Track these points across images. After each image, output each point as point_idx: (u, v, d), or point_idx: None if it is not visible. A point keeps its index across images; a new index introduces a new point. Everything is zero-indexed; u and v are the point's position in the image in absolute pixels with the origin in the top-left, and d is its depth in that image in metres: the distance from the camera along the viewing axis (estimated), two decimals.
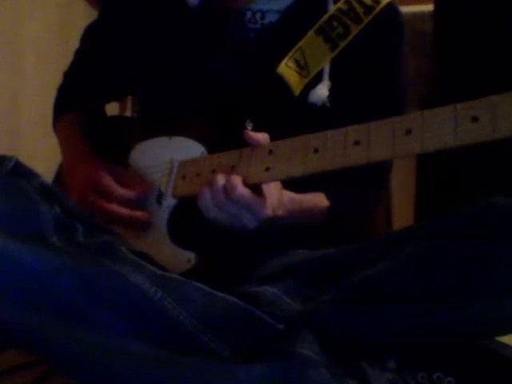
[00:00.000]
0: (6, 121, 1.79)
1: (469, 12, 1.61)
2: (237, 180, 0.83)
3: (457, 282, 0.69)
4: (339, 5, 1.01)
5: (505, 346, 0.74)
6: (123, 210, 0.95)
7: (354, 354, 0.70)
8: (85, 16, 1.96)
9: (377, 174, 1.07)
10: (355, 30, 1.00)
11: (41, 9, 1.89)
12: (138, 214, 0.95)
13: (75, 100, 1.18)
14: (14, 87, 1.81)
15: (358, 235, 0.99)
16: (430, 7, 1.71)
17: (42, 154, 1.25)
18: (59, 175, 1.13)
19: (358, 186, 1.03)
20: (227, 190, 0.83)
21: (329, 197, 0.99)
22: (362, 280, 0.74)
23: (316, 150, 0.80)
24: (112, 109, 1.32)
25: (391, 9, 1.04)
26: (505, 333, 0.73)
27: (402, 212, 1.64)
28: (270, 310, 0.72)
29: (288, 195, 0.90)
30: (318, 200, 0.98)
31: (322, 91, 0.98)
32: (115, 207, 0.95)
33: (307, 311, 0.75)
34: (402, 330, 0.70)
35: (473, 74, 1.57)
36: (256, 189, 0.84)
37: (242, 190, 0.82)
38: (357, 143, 0.76)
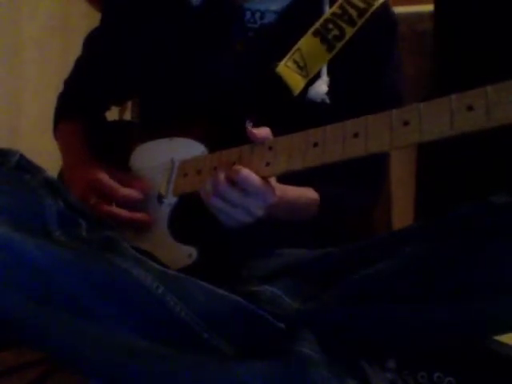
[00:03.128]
0: (7, 119, 1.79)
1: (469, 12, 1.61)
2: (240, 166, 0.83)
3: (456, 281, 0.70)
4: (333, 9, 1.02)
5: (505, 345, 0.74)
6: (124, 212, 0.95)
7: (354, 354, 0.70)
8: (85, 16, 1.96)
9: (374, 171, 1.08)
10: (350, 32, 1.02)
11: (41, 9, 1.89)
12: (139, 215, 0.96)
13: (76, 107, 1.18)
14: (14, 86, 1.81)
15: (358, 235, 0.99)
16: (430, 7, 1.71)
17: (43, 154, 1.25)
18: (61, 178, 1.13)
19: (354, 183, 1.04)
20: (231, 176, 0.82)
21: (318, 190, 0.99)
22: (362, 279, 0.74)
23: (315, 144, 0.81)
24: (111, 112, 1.32)
25: (384, 9, 1.06)
26: (505, 332, 0.73)
27: (401, 212, 1.64)
28: (270, 309, 0.72)
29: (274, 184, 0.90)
30: (303, 190, 0.97)
31: (320, 87, 0.99)
32: (116, 209, 0.95)
33: (307, 310, 0.75)
34: (402, 330, 0.71)
35: (473, 74, 1.57)
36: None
37: (246, 172, 0.82)
38: (355, 136, 0.77)
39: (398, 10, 1.10)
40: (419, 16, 1.74)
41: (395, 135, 0.74)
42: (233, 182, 0.83)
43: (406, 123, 0.73)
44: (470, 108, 0.69)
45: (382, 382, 0.69)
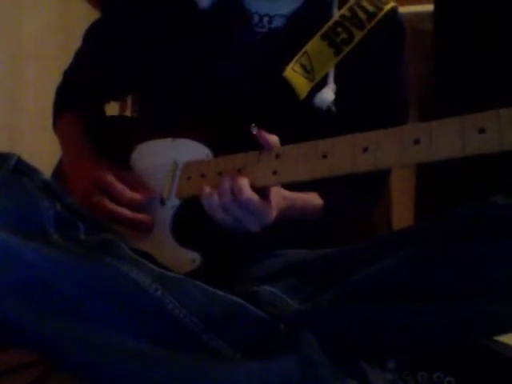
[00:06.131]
0: (7, 118, 1.79)
1: (469, 12, 1.61)
2: (244, 183, 0.83)
3: (456, 281, 0.69)
4: (343, 11, 1.02)
5: (505, 345, 0.74)
6: (126, 212, 0.94)
7: (353, 354, 0.70)
8: (85, 16, 1.96)
9: (375, 177, 1.08)
10: (359, 36, 1.02)
11: (41, 9, 1.89)
12: (141, 216, 0.95)
13: (75, 99, 1.18)
14: (14, 86, 1.81)
15: (358, 235, 0.99)
16: (429, 7, 1.71)
17: (43, 153, 1.25)
18: (58, 171, 1.13)
19: (356, 187, 1.04)
20: (235, 192, 0.83)
21: (323, 197, 0.99)
22: (362, 279, 0.74)
23: (324, 156, 0.80)
24: (112, 109, 1.31)
25: (393, 14, 1.06)
26: (504, 333, 0.73)
27: (401, 212, 1.64)
28: (269, 310, 0.72)
29: (281, 193, 0.90)
30: (310, 198, 0.98)
31: (327, 95, 0.99)
32: (119, 209, 0.94)
33: (307, 311, 0.75)
34: (402, 330, 0.70)
35: (472, 74, 1.57)
36: (261, 192, 0.84)
37: (249, 194, 0.82)
38: (365, 150, 0.76)
39: (398, 10, 1.10)
40: (419, 16, 1.74)
41: (405, 153, 0.73)
42: (236, 197, 0.83)
43: (416, 141, 0.73)
44: (481, 130, 0.68)
45: (381, 383, 0.69)
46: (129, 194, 0.95)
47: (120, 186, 0.96)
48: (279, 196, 0.89)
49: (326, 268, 0.82)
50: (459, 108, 0.73)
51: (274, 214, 0.85)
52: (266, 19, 1.02)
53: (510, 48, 1.54)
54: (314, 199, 0.99)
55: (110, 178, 0.96)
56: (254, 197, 0.82)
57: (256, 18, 1.02)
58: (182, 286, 0.70)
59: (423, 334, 0.70)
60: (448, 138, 0.70)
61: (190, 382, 0.60)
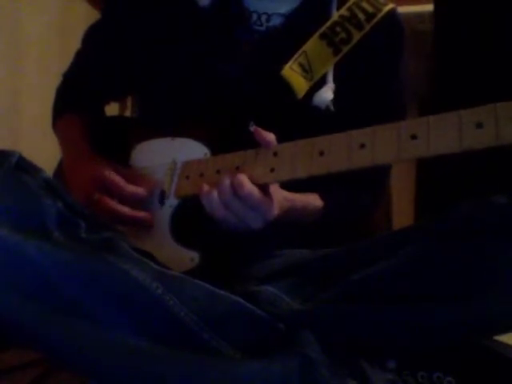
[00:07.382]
0: (7, 120, 1.79)
1: (469, 12, 1.61)
2: (244, 178, 0.83)
3: (456, 281, 0.70)
4: (342, 11, 1.03)
5: (505, 345, 0.74)
6: (127, 210, 0.95)
7: (353, 354, 0.70)
8: (85, 16, 1.96)
9: (375, 175, 1.08)
10: (357, 36, 1.02)
11: (41, 9, 1.89)
12: (141, 214, 0.95)
13: (75, 100, 1.18)
14: (14, 87, 1.81)
15: (358, 235, 0.99)
16: (430, 7, 1.72)
17: (43, 153, 1.25)
18: (59, 172, 1.13)
19: (356, 187, 1.04)
20: (235, 188, 0.83)
21: (323, 198, 0.99)
22: (362, 279, 0.74)
23: (321, 153, 0.80)
24: (112, 109, 1.32)
25: (392, 16, 1.06)
26: (504, 332, 0.73)
27: (401, 212, 1.64)
28: (269, 310, 0.72)
29: (282, 194, 0.90)
30: (310, 200, 0.98)
31: (326, 94, 0.99)
32: (119, 206, 0.94)
33: (307, 310, 0.75)
34: (403, 330, 0.70)
35: (472, 74, 1.57)
36: (261, 189, 0.84)
37: (250, 189, 0.82)
38: (362, 146, 0.76)
39: (398, 10, 1.10)
40: (419, 16, 1.74)
41: (402, 148, 0.73)
42: (237, 192, 0.83)
43: (413, 137, 0.73)
44: (479, 125, 0.68)
45: (382, 382, 0.69)
46: (130, 188, 0.95)
47: (121, 182, 0.96)
48: (280, 196, 0.89)
49: (325, 268, 0.82)
50: (459, 108, 0.73)
51: (275, 209, 0.85)
52: (264, 17, 1.03)
53: (510, 48, 1.54)
54: (314, 200, 0.99)
55: (111, 174, 0.96)
56: (255, 191, 0.82)
57: (254, 17, 1.03)
58: (183, 284, 0.70)
59: (423, 333, 0.70)
60: (445, 133, 0.70)
61: (189, 380, 0.61)
